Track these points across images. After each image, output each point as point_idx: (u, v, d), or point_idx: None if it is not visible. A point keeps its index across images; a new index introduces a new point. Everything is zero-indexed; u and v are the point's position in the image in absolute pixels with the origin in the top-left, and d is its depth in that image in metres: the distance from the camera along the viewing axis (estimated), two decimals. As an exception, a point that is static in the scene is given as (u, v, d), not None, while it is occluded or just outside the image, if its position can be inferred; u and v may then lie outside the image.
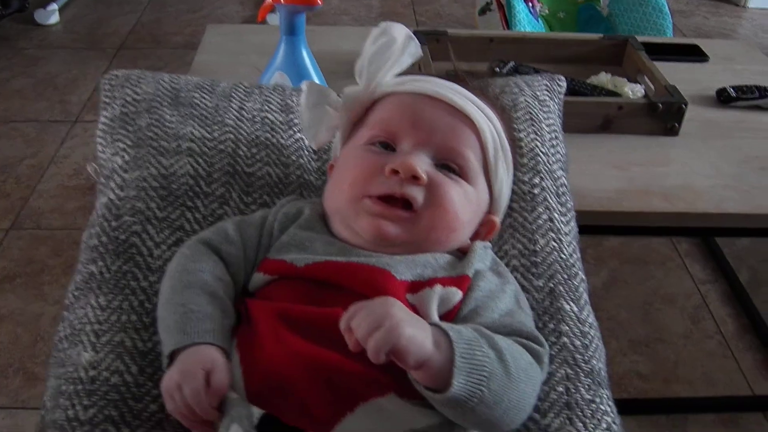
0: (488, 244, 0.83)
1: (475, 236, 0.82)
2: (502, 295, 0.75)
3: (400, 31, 0.80)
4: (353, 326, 0.61)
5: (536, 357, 0.70)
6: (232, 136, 0.94)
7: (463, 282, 0.74)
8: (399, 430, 0.65)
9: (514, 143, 0.90)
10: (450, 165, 0.77)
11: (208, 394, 0.65)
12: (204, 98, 0.98)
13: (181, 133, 0.93)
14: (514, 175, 0.91)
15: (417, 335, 0.61)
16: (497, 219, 0.84)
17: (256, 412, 0.63)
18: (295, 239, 0.78)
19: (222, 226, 0.81)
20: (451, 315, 0.72)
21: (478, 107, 0.81)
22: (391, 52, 0.79)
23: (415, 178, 0.74)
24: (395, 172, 0.74)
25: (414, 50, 0.80)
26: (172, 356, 0.70)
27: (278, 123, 0.98)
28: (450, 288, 0.72)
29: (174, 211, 0.87)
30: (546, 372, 0.73)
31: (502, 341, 0.67)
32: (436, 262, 0.75)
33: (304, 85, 0.84)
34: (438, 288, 0.71)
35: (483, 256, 0.79)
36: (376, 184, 0.75)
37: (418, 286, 0.72)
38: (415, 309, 0.70)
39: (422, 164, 0.74)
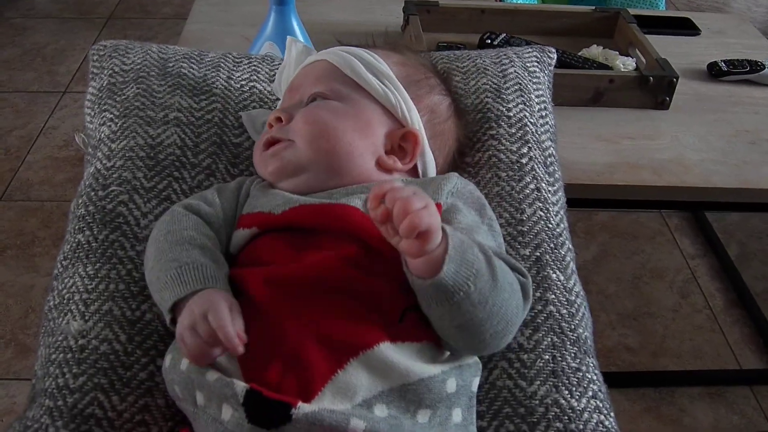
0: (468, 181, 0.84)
1: (402, 153, 0.84)
2: (479, 229, 0.77)
3: (287, 44, 0.93)
4: (398, 198, 0.61)
5: (523, 289, 0.72)
6: (219, 105, 0.94)
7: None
8: (391, 385, 0.65)
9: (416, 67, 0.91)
10: (316, 98, 0.84)
11: (235, 321, 0.66)
12: (192, 68, 0.97)
13: (169, 103, 0.93)
14: (502, 144, 0.92)
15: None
16: (413, 129, 0.84)
17: (240, 388, 0.63)
18: (259, 193, 0.82)
19: (201, 192, 0.84)
20: None
21: (339, 50, 0.87)
22: (284, 60, 0.93)
23: (279, 120, 0.83)
24: (270, 125, 0.85)
25: (298, 47, 0.92)
26: (174, 311, 0.70)
27: (267, 93, 0.98)
28: None
29: (161, 181, 0.87)
30: (530, 304, 0.74)
31: (491, 252, 0.69)
32: None
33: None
34: None
35: (455, 183, 0.80)
36: (263, 139, 0.85)
37: None
38: None
39: (284, 110, 0.84)
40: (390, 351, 0.66)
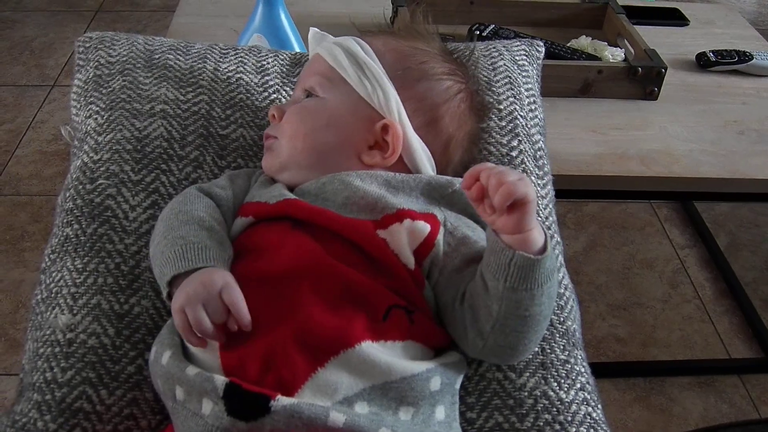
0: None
1: (386, 147, 0.82)
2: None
3: (309, 36, 0.91)
4: (493, 173, 0.65)
5: None
6: (206, 97, 0.93)
7: (429, 218, 0.75)
8: (373, 383, 0.65)
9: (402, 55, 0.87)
10: (309, 93, 0.85)
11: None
12: (178, 60, 0.97)
13: (155, 95, 0.92)
14: (492, 137, 0.92)
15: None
16: (389, 119, 0.82)
17: (219, 382, 0.63)
18: (262, 185, 0.83)
19: (215, 180, 0.86)
20: (427, 247, 0.73)
21: (332, 41, 0.87)
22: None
23: (274, 117, 0.86)
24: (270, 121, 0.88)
25: (316, 37, 0.89)
26: (172, 286, 0.70)
27: (253, 84, 0.97)
28: (417, 222, 0.74)
29: (149, 174, 0.86)
30: None
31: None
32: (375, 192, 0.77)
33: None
34: (407, 222, 0.74)
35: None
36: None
37: (387, 221, 0.74)
38: (385, 243, 0.72)
39: (279, 107, 0.86)
40: (372, 349, 0.66)
